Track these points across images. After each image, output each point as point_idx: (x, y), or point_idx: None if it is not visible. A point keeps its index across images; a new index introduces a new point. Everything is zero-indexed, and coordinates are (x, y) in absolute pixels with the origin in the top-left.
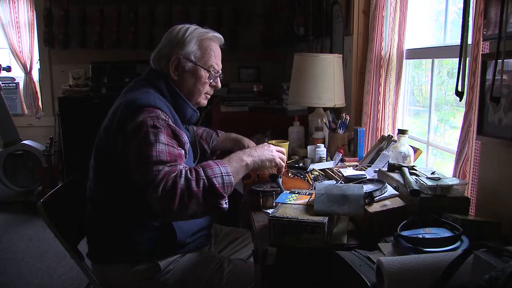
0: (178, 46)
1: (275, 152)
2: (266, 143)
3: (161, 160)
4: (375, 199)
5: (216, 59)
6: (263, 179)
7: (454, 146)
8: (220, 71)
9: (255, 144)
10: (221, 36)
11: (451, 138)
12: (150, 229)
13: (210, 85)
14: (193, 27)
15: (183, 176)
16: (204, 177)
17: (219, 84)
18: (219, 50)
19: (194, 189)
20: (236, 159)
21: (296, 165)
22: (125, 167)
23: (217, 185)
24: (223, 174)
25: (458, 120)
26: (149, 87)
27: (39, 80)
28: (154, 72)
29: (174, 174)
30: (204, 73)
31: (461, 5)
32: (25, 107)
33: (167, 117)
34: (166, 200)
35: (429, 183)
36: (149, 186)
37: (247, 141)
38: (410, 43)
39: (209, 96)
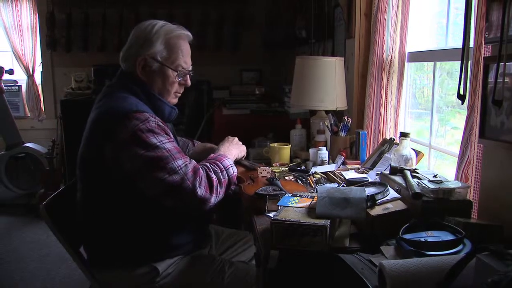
0: (145, 46)
1: (239, 142)
2: (230, 137)
3: (177, 158)
4: (377, 202)
5: (184, 57)
6: (258, 182)
7: (453, 147)
8: (190, 69)
9: None
10: (189, 33)
11: (451, 139)
12: (146, 231)
13: (180, 83)
14: (160, 23)
15: (211, 169)
16: (224, 169)
17: (189, 82)
18: (187, 47)
19: (222, 180)
20: (227, 153)
21: (298, 168)
22: (120, 176)
23: (232, 174)
24: (231, 165)
25: (454, 121)
26: (124, 92)
27: (41, 83)
28: (125, 75)
29: (202, 169)
30: (171, 73)
31: (463, 8)
32: (27, 109)
33: (156, 118)
34: (205, 193)
35: (431, 186)
36: (183, 184)
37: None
38: (412, 46)
39: (179, 95)
